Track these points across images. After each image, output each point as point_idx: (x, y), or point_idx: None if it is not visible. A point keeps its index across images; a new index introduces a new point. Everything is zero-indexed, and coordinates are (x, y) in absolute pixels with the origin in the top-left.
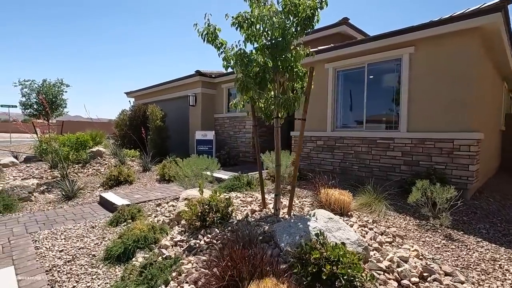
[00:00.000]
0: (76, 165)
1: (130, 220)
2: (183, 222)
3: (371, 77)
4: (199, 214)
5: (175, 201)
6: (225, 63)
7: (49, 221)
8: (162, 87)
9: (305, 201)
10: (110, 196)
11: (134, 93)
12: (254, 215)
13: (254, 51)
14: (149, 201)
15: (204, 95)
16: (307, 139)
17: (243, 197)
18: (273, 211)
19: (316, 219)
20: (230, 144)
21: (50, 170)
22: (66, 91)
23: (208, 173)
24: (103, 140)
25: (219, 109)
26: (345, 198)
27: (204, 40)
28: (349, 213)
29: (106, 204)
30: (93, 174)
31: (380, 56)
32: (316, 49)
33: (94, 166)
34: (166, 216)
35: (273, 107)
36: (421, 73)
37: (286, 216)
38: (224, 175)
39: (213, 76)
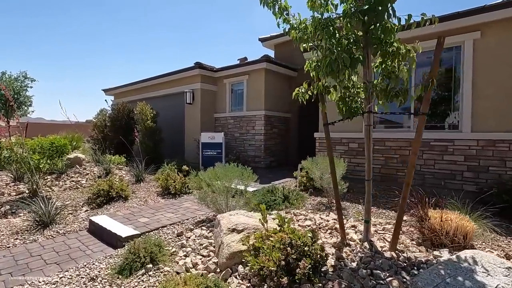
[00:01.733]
0: (48, 177)
1: (150, 265)
2: (240, 268)
3: (421, 67)
4: (282, 263)
5: (203, 228)
6: (295, 33)
7: (19, 268)
8: (151, 83)
9: (384, 224)
10: (105, 221)
11: (115, 90)
12: (343, 252)
13: (341, 16)
14: (162, 227)
15: (203, 92)
16: (336, 141)
17: (296, 219)
18: (365, 245)
19: (487, 271)
20: (236, 148)
21: (13, 184)
22: (31, 87)
23: (240, 186)
24: (80, 144)
25: (221, 108)
26: (466, 224)
27: (261, 2)
28: (470, 245)
29: (100, 234)
30: (72, 187)
31: (433, 44)
32: None
33: (72, 177)
34: (204, 256)
35: (362, 97)
36: (491, 63)
37: (393, 254)
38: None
39: (214, 69)
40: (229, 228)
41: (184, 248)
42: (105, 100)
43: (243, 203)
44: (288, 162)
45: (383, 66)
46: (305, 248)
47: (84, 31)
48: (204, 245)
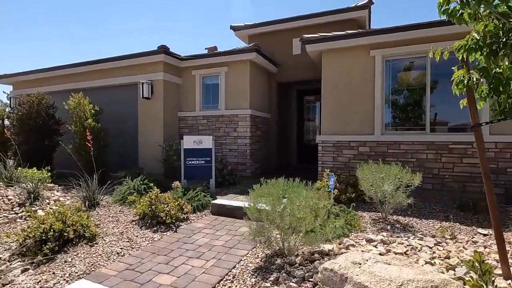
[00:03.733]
0: None
1: None
2: None
3: (435, 69)
4: None
5: (289, 284)
6: None
7: None
8: (86, 69)
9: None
10: None
11: (16, 77)
12: None
13: None
14: None
15: (167, 84)
16: (343, 145)
17: (390, 250)
18: None
19: None
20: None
21: None
22: None
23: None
24: None
25: (188, 105)
26: None
27: None
28: None
29: None
30: None
31: (448, 45)
32: (356, 31)
33: None
34: None
35: None
36: None
37: None
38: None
39: (181, 57)
40: None
41: None
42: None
43: (323, 236)
44: (270, 168)
45: None
46: None
47: None
48: None
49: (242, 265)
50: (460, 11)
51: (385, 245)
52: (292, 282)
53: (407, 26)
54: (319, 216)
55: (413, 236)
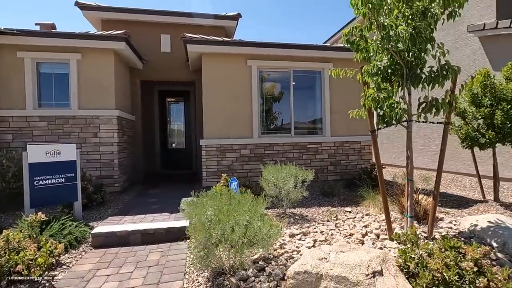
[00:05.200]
0: None
1: None
2: None
3: (296, 83)
4: None
5: None
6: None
7: None
8: None
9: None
10: None
11: None
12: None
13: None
14: None
15: None
16: (226, 148)
17: (315, 238)
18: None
19: None
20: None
21: None
22: None
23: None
24: None
25: (11, 101)
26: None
27: None
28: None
29: None
30: None
31: (304, 66)
32: (236, 40)
33: None
34: None
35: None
36: (338, 87)
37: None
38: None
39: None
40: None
41: None
42: None
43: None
44: (138, 179)
45: None
46: None
47: None
48: None
49: None
50: (358, 42)
51: (306, 236)
52: None
53: (260, 43)
54: (262, 222)
55: (317, 224)
